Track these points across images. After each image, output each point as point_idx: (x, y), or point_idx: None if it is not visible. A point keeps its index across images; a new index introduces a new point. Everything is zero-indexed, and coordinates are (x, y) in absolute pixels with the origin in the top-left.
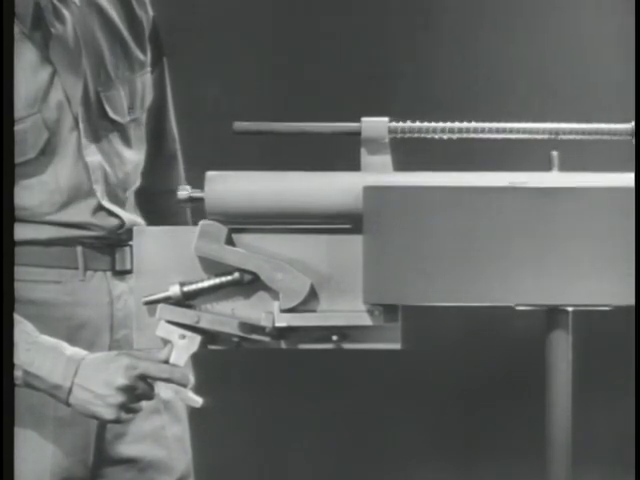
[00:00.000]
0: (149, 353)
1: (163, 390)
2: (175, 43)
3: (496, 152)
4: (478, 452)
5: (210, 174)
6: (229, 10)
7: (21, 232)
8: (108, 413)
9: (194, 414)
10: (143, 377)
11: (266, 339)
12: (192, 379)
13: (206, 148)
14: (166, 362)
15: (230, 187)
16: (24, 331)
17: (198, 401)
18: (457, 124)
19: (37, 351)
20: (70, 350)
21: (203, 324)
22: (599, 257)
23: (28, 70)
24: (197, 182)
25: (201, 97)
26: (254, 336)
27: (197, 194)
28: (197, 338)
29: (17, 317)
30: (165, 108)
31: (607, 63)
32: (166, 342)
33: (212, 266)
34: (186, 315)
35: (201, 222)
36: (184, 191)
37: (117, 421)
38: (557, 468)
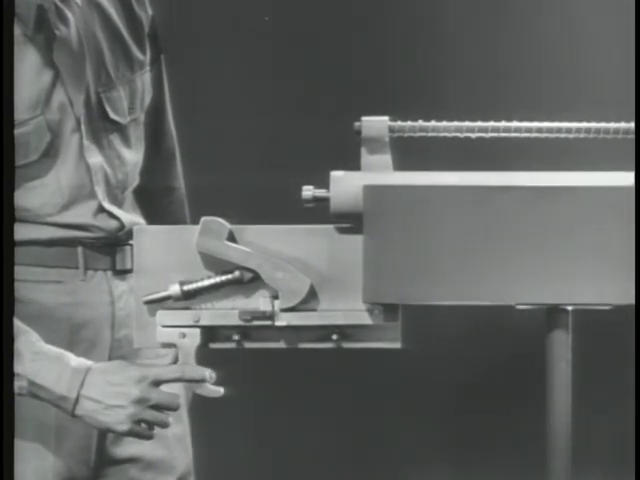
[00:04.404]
0: (155, 360)
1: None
2: (174, 42)
3: (496, 151)
4: (478, 452)
5: (335, 174)
6: (228, 9)
7: (22, 232)
8: (120, 425)
9: (195, 414)
10: (156, 383)
11: (267, 323)
12: (209, 372)
13: (206, 148)
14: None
15: (357, 187)
16: (29, 341)
17: (219, 391)
18: (457, 123)
19: (42, 361)
20: (75, 361)
21: (204, 322)
22: (599, 257)
23: (31, 73)
24: (197, 181)
25: (201, 97)
26: (255, 322)
27: (322, 194)
28: (197, 331)
29: (23, 326)
30: (163, 106)
31: (609, 63)
32: (168, 346)
33: (213, 264)
34: (186, 317)
35: (203, 218)
36: (308, 191)
37: (130, 433)
38: (557, 468)
